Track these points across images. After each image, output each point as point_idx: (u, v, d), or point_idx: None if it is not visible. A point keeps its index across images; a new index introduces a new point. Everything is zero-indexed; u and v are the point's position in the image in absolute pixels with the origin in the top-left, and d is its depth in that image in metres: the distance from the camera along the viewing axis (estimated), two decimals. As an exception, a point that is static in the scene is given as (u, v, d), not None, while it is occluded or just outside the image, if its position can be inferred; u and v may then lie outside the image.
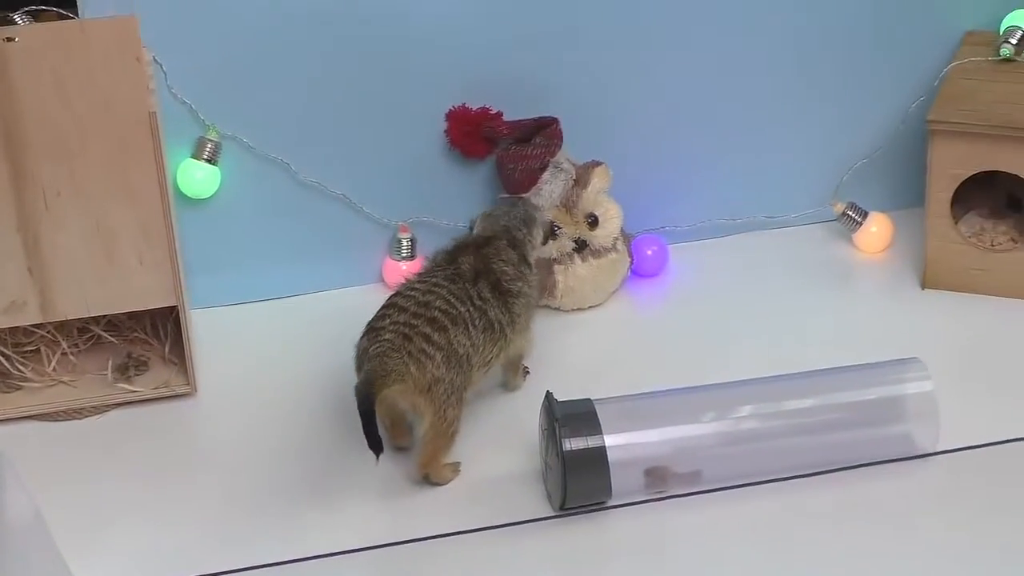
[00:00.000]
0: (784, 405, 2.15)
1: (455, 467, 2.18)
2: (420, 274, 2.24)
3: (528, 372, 2.35)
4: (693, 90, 2.56)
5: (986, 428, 2.20)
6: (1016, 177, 2.43)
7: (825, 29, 2.57)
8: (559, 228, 2.46)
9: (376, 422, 2.07)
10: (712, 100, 2.58)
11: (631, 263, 2.54)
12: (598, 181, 2.48)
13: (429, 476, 2.17)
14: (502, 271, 2.23)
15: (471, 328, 2.16)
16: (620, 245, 2.51)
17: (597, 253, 2.49)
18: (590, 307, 2.50)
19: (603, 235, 2.49)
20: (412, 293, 2.17)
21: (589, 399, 2.11)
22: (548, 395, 2.11)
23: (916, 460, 2.15)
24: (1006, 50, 2.55)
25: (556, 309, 2.50)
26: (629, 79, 2.54)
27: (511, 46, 2.47)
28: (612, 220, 2.49)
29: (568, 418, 2.07)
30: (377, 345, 2.10)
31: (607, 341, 2.44)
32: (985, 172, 2.45)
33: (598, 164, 2.49)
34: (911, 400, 2.14)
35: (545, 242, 2.36)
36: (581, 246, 2.48)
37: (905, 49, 2.59)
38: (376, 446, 2.07)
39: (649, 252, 2.57)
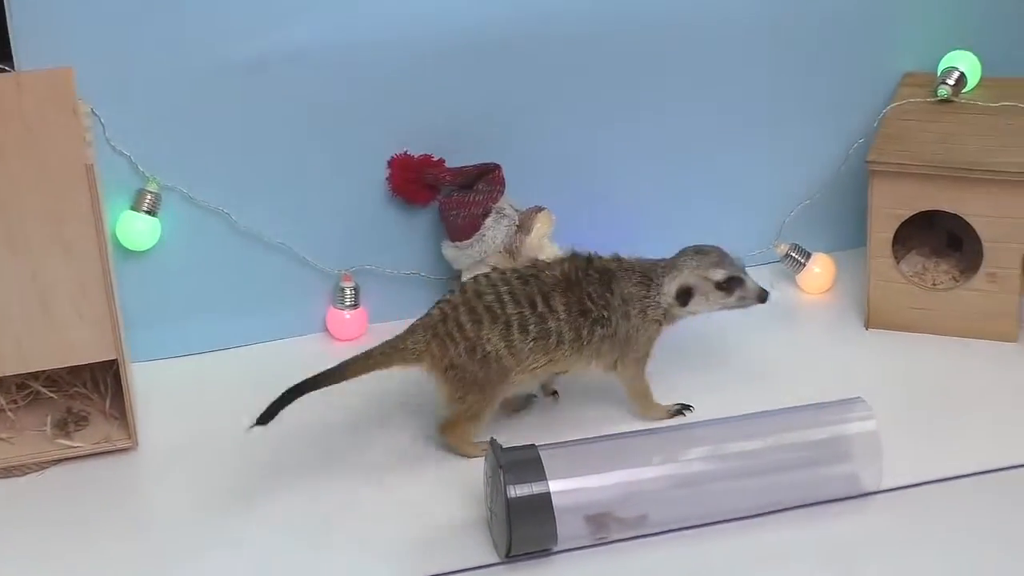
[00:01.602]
0: (730, 447, 2.17)
1: (480, 447, 2.23)
2: (525, 265, 2.33)
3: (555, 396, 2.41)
4: (636, 135, 2.60)
5: (930, 466, 2.23)
6: (956, 216, 2.47)
7: (767, 73, 2.61)
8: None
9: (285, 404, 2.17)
10: (655, 144, 2.61)
11: None
12: (541, 226, 2.50)
13: (449, 443, 2.29)
14: (587, 292, 2.27)
15: (514, 330, 2.24)
16: None
17: None
18: None
19: None
20: (484, 279, 2.28)
21: (534, 445, 2.12)
22: (492, 441, 2.13)
23: (861, 499, 2.17)
24: (943, 91, 2.60)
25: None
26: (571, 125, 2.57)
27: (453, 93, 2.51)
28: None
29: (512, 464, 2.09)
30: (424, 317, 2.26)
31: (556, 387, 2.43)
32: (926, 212, 2.49)
33: (540, 209, 2.51)
34: (855, 440, 2.17)
35: (684, 302, 2.32)
36: None
37: (845, 91, 2.64)
38: (263, 418, 2.17)
39: None
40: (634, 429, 2.28)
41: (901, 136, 2.52)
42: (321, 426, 2.36)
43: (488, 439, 2.15)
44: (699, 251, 2.34)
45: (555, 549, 2.12)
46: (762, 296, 2.34)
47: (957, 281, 2.56)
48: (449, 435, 2.30)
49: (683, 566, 2.10)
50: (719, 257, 2.33)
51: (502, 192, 2.51)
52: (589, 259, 2.32)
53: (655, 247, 2.57)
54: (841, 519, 2.16)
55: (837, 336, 2.55)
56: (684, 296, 2.32)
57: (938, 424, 2.34)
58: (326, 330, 2.59)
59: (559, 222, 2.53)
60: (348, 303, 2.56)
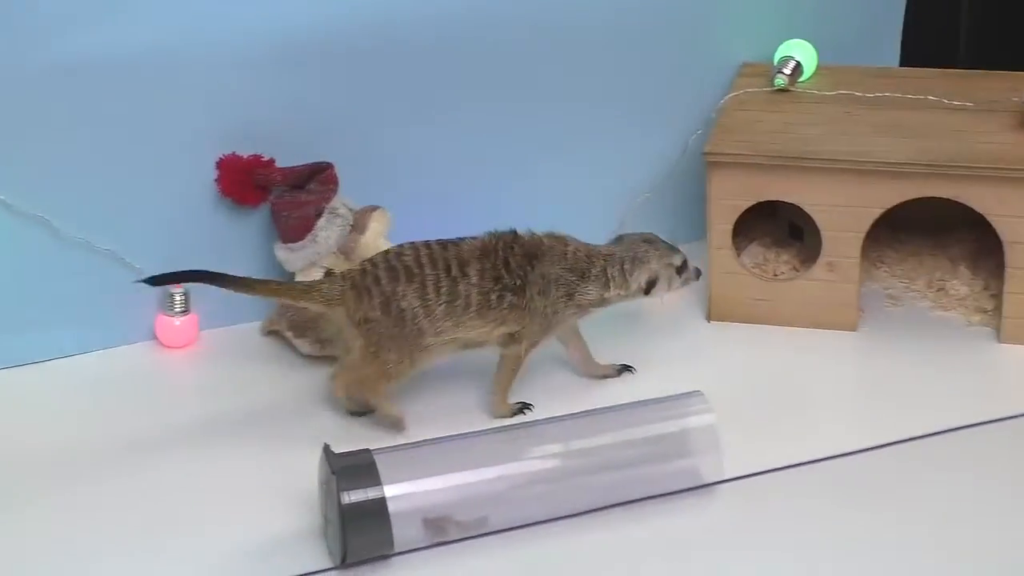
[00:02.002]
0: (570, 445, 2.18)
1: (397, 416, 2.32)
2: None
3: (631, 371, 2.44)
4: (472, 132, 2.59)
5: (770, 456, 2.24)
6: (797, 206, 2.49)
7: (601, 66, 2.61)
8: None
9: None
10: (491, 142, 2.60)
11: None
12: (377, 225, 2.48)
13: (355, 392, 2.34)
14: (504, 261, 2.31)
15: (428, 290, 2.28)
16: None
17: None
18: None
19: None
20: (408, 244, 2.32)
21: (368, 450, 2.10)
22: (325, 447, 2.10)
23: (702, 490, 2.18)
24: (780, 80, 2.62)
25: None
26: (406, 122, 2.56)
27: (283, 91, 2.48)
28: None
29: (346, 470, 2.06)
30: (348, 271, 2.32)
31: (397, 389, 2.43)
32: (767, 202, 2.50)
33: (375, 208, 2.49)
34: (694, 434, 2.18)
35: (647, 291, 2.37)
36: None
37: (682, 83, 2.65)
38: (155, 279, 2.27)
39: None
40: (476, 429, 2.25)
41: (738, 127, 2.54)
42: (146, 435, 2.33)
43: (323, 446, 2.11)
44: (646, 239, 2.39)
45: (393, 552, 2.10)
46: (697, 273, 2.43)
47: (797, 271, 2.58)
48: (359, 385, 2.33)
49: (524, 564, 2.10)
50: (667, 242, 2.40)
51: (335, 191, 2.48)
52: (516, 235, 2.36)
53: None
54: (682, 512, 2.16)
55: (679, 329, 2.55)
56: (651, 286, 2.37)
57: (778, 415, 2.35)
58: (155, 338, 2.54)
59: (395, 220, 2.50)
60: (178, 309, 2.52)
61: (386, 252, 2.33)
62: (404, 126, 2.56)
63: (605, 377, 2.44)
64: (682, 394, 2.22)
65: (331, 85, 2.50)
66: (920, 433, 2.27)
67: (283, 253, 2.50)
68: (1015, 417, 2.31)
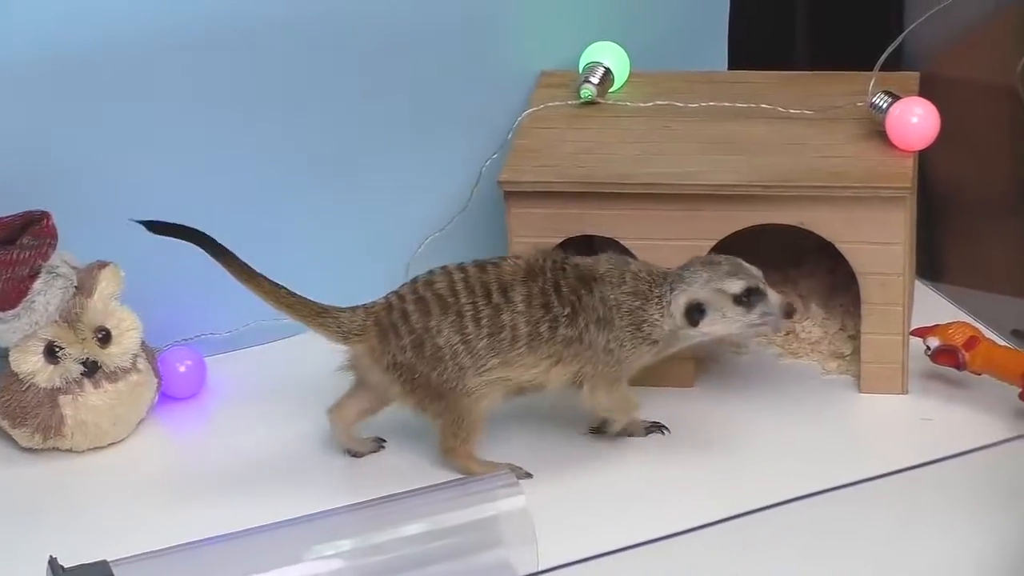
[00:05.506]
0: (358, 541, 2.15)
1: (484, 463, 2.33)
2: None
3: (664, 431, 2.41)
4: (223, 169, 2.55)
5: (589, 540, 2.18)
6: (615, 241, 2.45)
7: (376, 85, 2.59)
8: (63, 350, 2.36)
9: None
10: (246, 181, 2.57)
11: (159, 384, 2.51)
12: (107, 285, 2.45)
13: (455, 466, 2.35)
14: (554, 283, 2.29)
15: (466, 323, 2.28)
16: (142, 363, 2.47)
17: (113, 376, 2.44)
18: (110, 444, 2.46)
19: (119, 352, 2.44)
20: (439, 268, 2.33)
21: (105, 561, 2.06)
22: (52, 561, 2.05)
23: (515, 585, 2.15)
24: (587, 91, 2.60)
25: (68, 451, 2.43)
26: (138, 161, 2.51)
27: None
28: (129, 333, 2.45)
29: (73, 587, 2.01)
30: (371, 304, 2.33)
31: (134, 485, 2.40)
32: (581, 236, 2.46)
33: (105, 265, 2.46)
34: (503, 519, 2.15)
35: (694, 322, 2.29)
36: (92, 369, 2.43)
37: (473, 99, 2.65)
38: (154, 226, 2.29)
39: (181, 368, 2.54)
40: (238, 530, 2.17)
41: (539, 148, 2.52)
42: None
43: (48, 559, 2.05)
44: (708, 261, 2.33)
45: None
46: (789, 311, 2.33)
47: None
48: (446, 456, 2.36)
49: None
50: (733, 266, 2.32)
51: (54, 246, 2.43)
52: (567, 255, 2.35)
53: (257, 306, 2.52)
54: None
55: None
56: (695, 314, 2.30)
57: (600, 492, 2.33)
58: None
59: (130, 280, 2.46)
60: None
61: (414, 281, 2.33)
62: (137, 164, 2.51)
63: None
64: (490, 475, 2.23)
65: (44, 119, 2.45)
66: (761, 505, 2.20)
67: (-7, 323, 2.44)
68: (876, 478, 2.26)
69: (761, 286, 2.31)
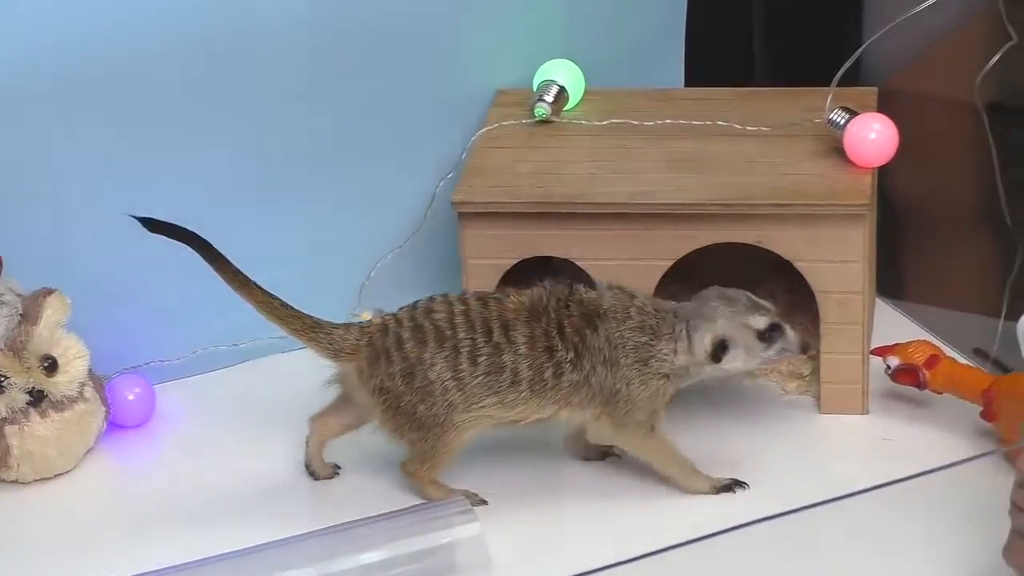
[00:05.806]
0: (313, 571, 2.15)
1: (441, 488, 2.30)
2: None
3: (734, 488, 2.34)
4: (163, 188, 2.51)
5: (550, 565, 2.20)
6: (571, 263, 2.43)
7: (327, 102, 2.57)
8: (8, 379, 2.34)
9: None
10: (198, 198, 2.53)
11: (107, 413, 2.48)
12: (52, 313, 2.43)
13: (407, 479, 2.33)
14: (557, 324, 2.25)
15: (462, 359, 2.24)
16: (89, 392, 2.45)
17: (59, 405, 2.42)
18: (56, 475, 2.44)
19: (65, 381, 2.42)
20: (440, 296, 2.30)
21: None
22: None
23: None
24: (541, 110, 2.60)
25: (13, 482, 2.41)
26: (75, 183, 2.49)
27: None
28: (76, 361, 2.43)
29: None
30: (367, 324, 2.30)
31: (83, 516, 2.38)
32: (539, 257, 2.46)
33: (50, 292, 2.44)
34: (458, 547, 2.16)
35: (718, 358, 2.27)
36: (38, 398, 2.40)
37: (426, 118, 2.64)
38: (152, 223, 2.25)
39: (130, 396, 2.52)
40: (191, 560, 2.17)
41: (493, 168, 2.51)
42: None
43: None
44: (724, 296, 2.30)
45: None
46: (804, 347, 2.33)
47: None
48: (410, 475, 2.33)
49: None
50: (753, 301, 2.31)
51: None
52: (572, 289, 2.31)
53: (207, 332, 2.61)
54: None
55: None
56: (719, 351, 2.27)
57: (560, 515, 2.32)
58: None
59: (77, 307, 2.44)
60: None
61: (413, 307, 2.30)
62: (75, 187, 2.49)
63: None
64: (443, 502, 2.24)
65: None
66: (721, 528, 2.19)
67: (-67, 357, 2.40)
68: (837, 499, 2.24)
69: (780, 322, 2.31)
